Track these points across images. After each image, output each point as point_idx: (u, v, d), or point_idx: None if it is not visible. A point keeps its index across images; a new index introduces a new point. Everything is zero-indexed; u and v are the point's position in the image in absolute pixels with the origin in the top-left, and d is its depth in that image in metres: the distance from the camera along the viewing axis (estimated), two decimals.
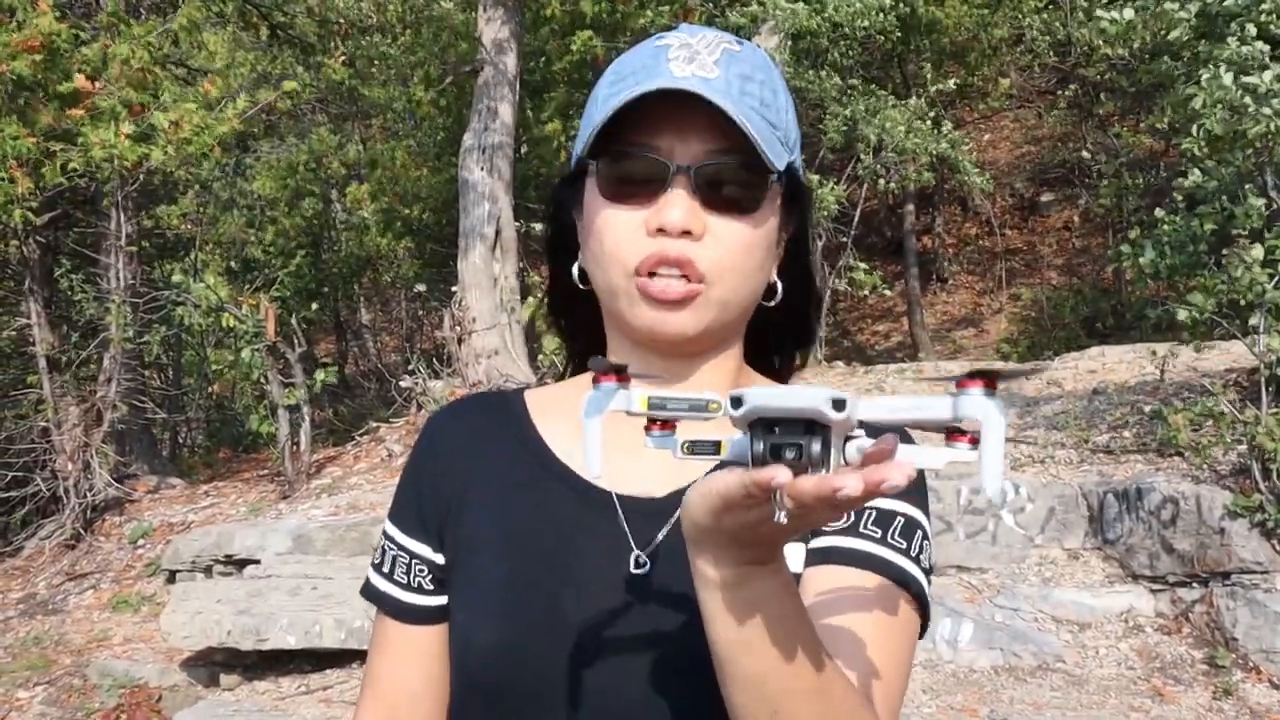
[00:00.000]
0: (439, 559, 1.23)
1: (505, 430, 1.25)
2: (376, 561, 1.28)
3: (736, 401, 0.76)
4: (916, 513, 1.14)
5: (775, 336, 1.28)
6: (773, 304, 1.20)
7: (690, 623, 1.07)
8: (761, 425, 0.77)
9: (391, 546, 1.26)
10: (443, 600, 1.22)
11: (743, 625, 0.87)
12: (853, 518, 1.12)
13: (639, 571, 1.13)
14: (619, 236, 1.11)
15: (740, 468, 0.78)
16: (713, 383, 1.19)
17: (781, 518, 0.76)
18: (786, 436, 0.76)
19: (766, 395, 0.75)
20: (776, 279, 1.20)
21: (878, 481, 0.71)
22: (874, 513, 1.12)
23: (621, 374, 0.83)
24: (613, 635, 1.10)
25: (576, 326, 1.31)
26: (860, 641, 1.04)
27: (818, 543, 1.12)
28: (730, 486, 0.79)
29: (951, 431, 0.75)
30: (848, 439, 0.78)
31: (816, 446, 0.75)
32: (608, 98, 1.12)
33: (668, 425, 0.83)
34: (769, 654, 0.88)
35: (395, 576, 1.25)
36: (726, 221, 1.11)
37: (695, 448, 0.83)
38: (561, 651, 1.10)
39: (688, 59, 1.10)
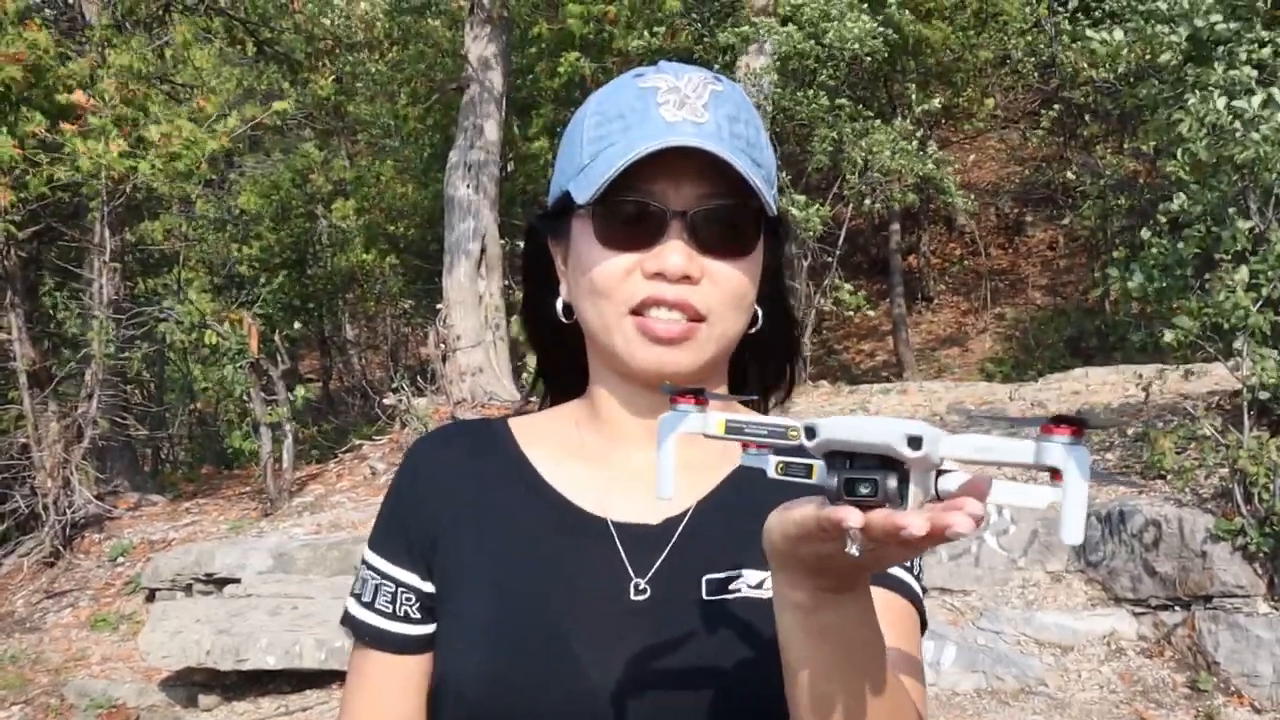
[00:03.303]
0: (427, 587, 1.21)
1: (494, 457, 1.24)
2: (356, 591, 1.25)
3: (810, 431, 0.76)
4: None
5: (756, 362, 1.29)
6: (753, 330, 1.21)
7: (692, 649, 1.09)
8: (838, 457, 0.76)
9: (374, 575, 1.24)
10: (430, 629, 1.20)
11: (819, 648, 0.88)
12: None
13: (639, 599, 1.12)
14: (616, 280, 1.12)
15: (818, 499, 0.79)
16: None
17: (854, 550, 0.76)
18: (861, 471, 0.75)
19: (841, 427, 0.75)
20: (756, 305, 1.21)
21: (943, 526, 0.72)
22: None
23: (700, 396, 0.84)
24: (615, 664, 1.09)
25: (557, 357, 1.31)
26: (893, 657, 1.05)
27: None
28: (806, 519, 0.80)
29: (1055, 471, 0.73)
30: (941, 473, 0.77)
31: (892, 482, 0.75)
32: (597, 140, 1.13)
33: (763, 445, 0.83)
34: (844, 677, 0.89)
35: (378, 606, 1.22)
36: (723, 264, 1.13)
37: (789, 469, 0.82)
38: (562, 681, 1.09)
39: (678, 104, 1.12)
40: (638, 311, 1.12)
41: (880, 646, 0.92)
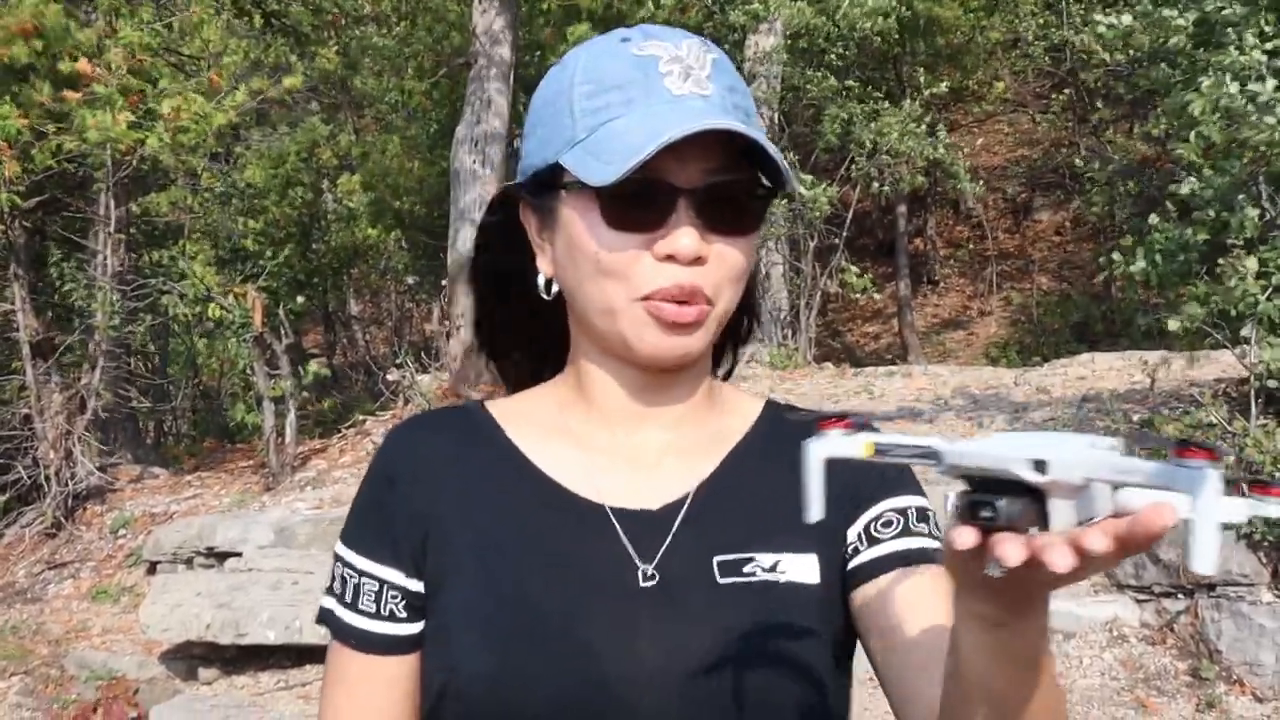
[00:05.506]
0: (414, 585, 1.15)
1: (478, 444, 1.19)
2: (336, 590, 1.18)
3: (937, 456, 0.75)
4: (928, 502, 1.16)
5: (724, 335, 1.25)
6: None
7: (711, 632, 1.07)
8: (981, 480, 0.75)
9: (352, 574, 1.17)
10: (417, 628, 1.15)
11: (994, 661, 0.86)
12: (903, 521, 1.14)
13: (648, 585, 1.09)
14: (626, 262, 1.08)
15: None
16: (691, 394, 1.18)
17: (994, 572, 0.73)
18: (983, 493, 0.73)
19: (972, 451, 0.74)
20: None
21: (1038, 560, 0.70)
22: (915, 511, 1.15)
23: (846, 420, 0.82)
24: (631, 651, 1.06)
25: (531, 337, 1.27)
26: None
27: (877, 550, 1.13)
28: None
29: (1255, 483, 0.72)
30: (1119, 487, 0.73)
31: (1010, 505, 0.72)
32: (593, 112, 1.08)
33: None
34: (1016, 692, 0.87)
35: (361, 605, 1.15)
36: (729, 243, 1.09)
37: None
38: (576, 673, 1.05)
39: (682, 74, 1.07)
40: (648, 297, 1.07)
41: (1052, 660, 0.90)
